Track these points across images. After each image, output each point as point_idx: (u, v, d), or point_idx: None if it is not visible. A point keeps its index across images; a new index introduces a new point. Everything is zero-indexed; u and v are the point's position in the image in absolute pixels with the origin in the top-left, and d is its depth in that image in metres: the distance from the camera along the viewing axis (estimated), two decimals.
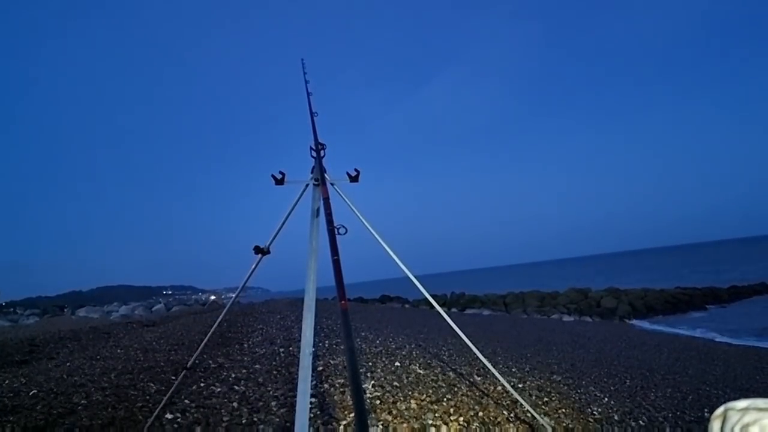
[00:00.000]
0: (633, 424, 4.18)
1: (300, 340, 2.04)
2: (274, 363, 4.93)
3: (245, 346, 5.80)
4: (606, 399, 4.83)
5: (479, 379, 4.83)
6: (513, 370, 5.66)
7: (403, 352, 5.78)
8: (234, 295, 3.76)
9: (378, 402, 3.88)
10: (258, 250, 2.93)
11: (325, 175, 2.72)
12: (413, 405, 3.86)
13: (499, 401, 4.15)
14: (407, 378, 4.61)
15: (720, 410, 0.72)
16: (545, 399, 4.52)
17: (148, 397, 3.90)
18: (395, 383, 4.40)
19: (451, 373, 4.93)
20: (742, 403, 0.70)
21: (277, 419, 3.51)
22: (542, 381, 5.23)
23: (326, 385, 4.21)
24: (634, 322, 19.00)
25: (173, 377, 4.35)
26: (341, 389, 4.10)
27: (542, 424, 3.63)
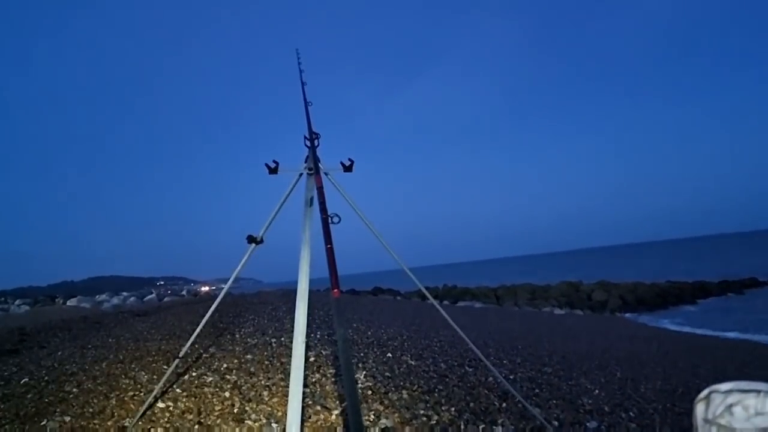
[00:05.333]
0: (623, 415, 4.22)
1: (292, 331, 2.04)
2: (266, 353, 4.93)
3: (237, 336, 5.79)
4: (596, 391, 4.87)
5: (471, 370, 4.86)
6: (504, 362, 5.69)
7: (395, 343, 5.80)
8: (226, 286, 3.76)
9: (370, 392, 3.89)
10: (251, 239, 2.92)
11: (319, 165, 2.71)
12: (405, 395, 3.88)
13: (491, 392, 4.18)
14: (399, 369, 4.63)
15: (704, 393, 0.74)
16: (536, 390, 4.56)
17: (139, 386, 3.89)
18: (387, 374, 4.41)
19: (442, 364, 4.95)
20: (726, 386, 0.72)
21: (269, 408, 3.51)
22: (533, 373, 5.27)
23: (318, 375, 4.22)
24: (625, 315, 19.16)
25: (165, 366, 4.34)
26: (333, 379, 4.11)
27: (533, 415, 3.65)
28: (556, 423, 3.74)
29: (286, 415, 1.75)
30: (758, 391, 0.70)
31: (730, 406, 0.70)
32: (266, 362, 4.62)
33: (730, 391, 0.72)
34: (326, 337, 5.75)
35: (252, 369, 4.38)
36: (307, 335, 5.00)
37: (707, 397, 0.74)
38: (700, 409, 0.75)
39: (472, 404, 3.83)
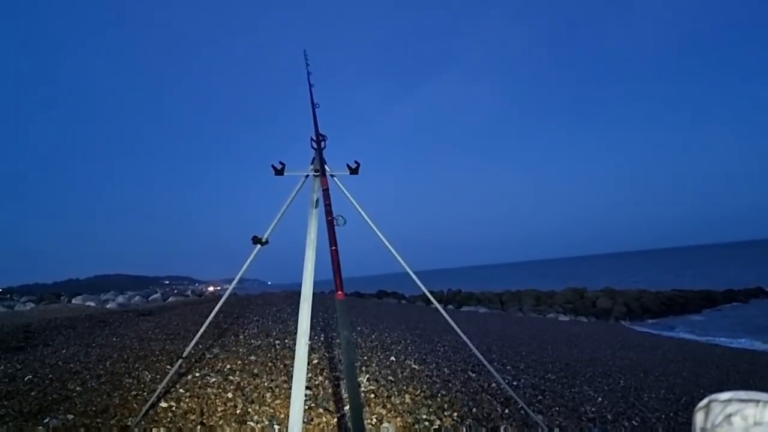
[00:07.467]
0: (626, 424, 4.20)
1: (296, 333, 2.04)
2: (269, 355, 4.94)
3: (241, 337, 5.80)
4: (600, 399, 4.84)
5: (474, 375, 4.84)
6: (508, 367, 5.67)
7: (399, 347, 5.79)
8: (230, 286, 3.76)
9: (372, 396, 3.88)
10: (256, 240, 2.92)
11: (325, 167, 2.72)
12: (408, 400, 3.87)
13: (494, 398, 4.16)
14: (402, 373, 4.62)
15: (704, 402, 0.74)
16: (539, 397, 4.54)
17: (143, 386, 3.91)
18: (390, 377, 4.40)
19: (446, 369, 4.94)
20: (725, 395, 0.72)
21: (272, 410, 3.51)
22: (536, 379, 5.24)
23: (321, 378, 4.22)
24: (629, 323, 19.05)
25: (168, 366, 4.35)
26: (336, 382, 4.11)
27: (536, 422, 3.64)
28: (558, 430, 3.72)
29: (288, 417, 1.75)
30: (757, 401, 0.70)
31: (729, 415, 0.70)
32: (270, 364, 4.62)
33: (729, 401, 0.71)
34: (330, 339, 5.75)
35: (255, 370, 4.39)
36: (311, 337, 4.99)
37: (707, 406, 0.74)
38: (699, 418, 0.74)
39: (474, 410, 3.81)
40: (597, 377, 5.95)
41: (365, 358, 5.08)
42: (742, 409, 0.69)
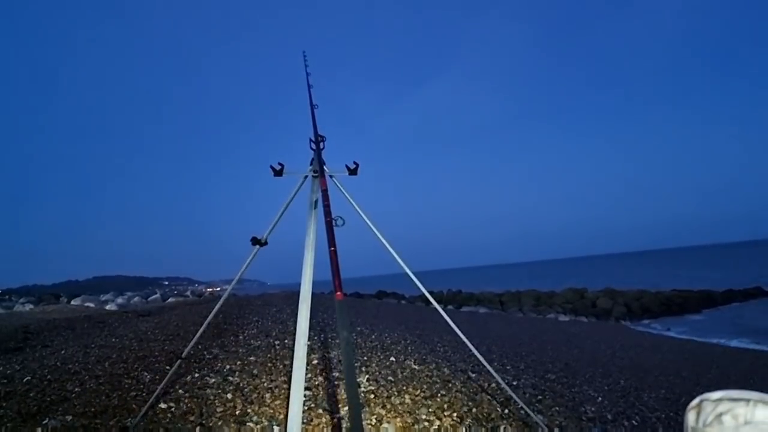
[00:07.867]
0: (626, 423, 4.19)
1: (295, 333, 2.03)
2: (269, 355, 4.93)
3: (240, 338, 5.80)
4: (600, 398, 4.84)
5: (474, 375, 4.84)
6: (507, 367, 5.67)
7: (398, 348, 5.78)
8: (229, 287, 3.76)
9: (372, 396, 3.88)
10: (255, 241, 2.92)
11: (324, 167, 2.72)
12: (407, 400, 3.87)
13: (494, 398, 4.16)
14: (402, 373, 4.61)
15: (695, 401, 0.74)
16: (539, 397, 4.53)
17: (142, 386, 3.90)
18: (390, 378, 4.40)
19: (445, 369, 4.93)
20: (716, 394, 0.72)
21: (271, 411, 3.51)
22: (536, 379, 5.24)
23: (320, 378, 4.21)
24: (630, 323, 19.05)
25: (167, 367, 4.34)
26: (335, 383, 4.10)
27: (536, 422, 3.63)
28: (558, 430, 3.72)
29: (287, 417, 1.75)
30: (748, 400, 0.70)
31: (720, 414, 0.70)
32: (269, 364, 4.62)
33: (720, 400, 0.71)
34: (329, 340, 5.75)
35: (255, 371, 4.38)
36: (310, 338, 4.99)
37: (698, 406, 0.74)
38: (690, 417, 0.74)
39: (474, 410, 3.81)
40: (597, 377, 5.95)
41: (365, 358, 5.08)
42: (732, 408, 0.69)
